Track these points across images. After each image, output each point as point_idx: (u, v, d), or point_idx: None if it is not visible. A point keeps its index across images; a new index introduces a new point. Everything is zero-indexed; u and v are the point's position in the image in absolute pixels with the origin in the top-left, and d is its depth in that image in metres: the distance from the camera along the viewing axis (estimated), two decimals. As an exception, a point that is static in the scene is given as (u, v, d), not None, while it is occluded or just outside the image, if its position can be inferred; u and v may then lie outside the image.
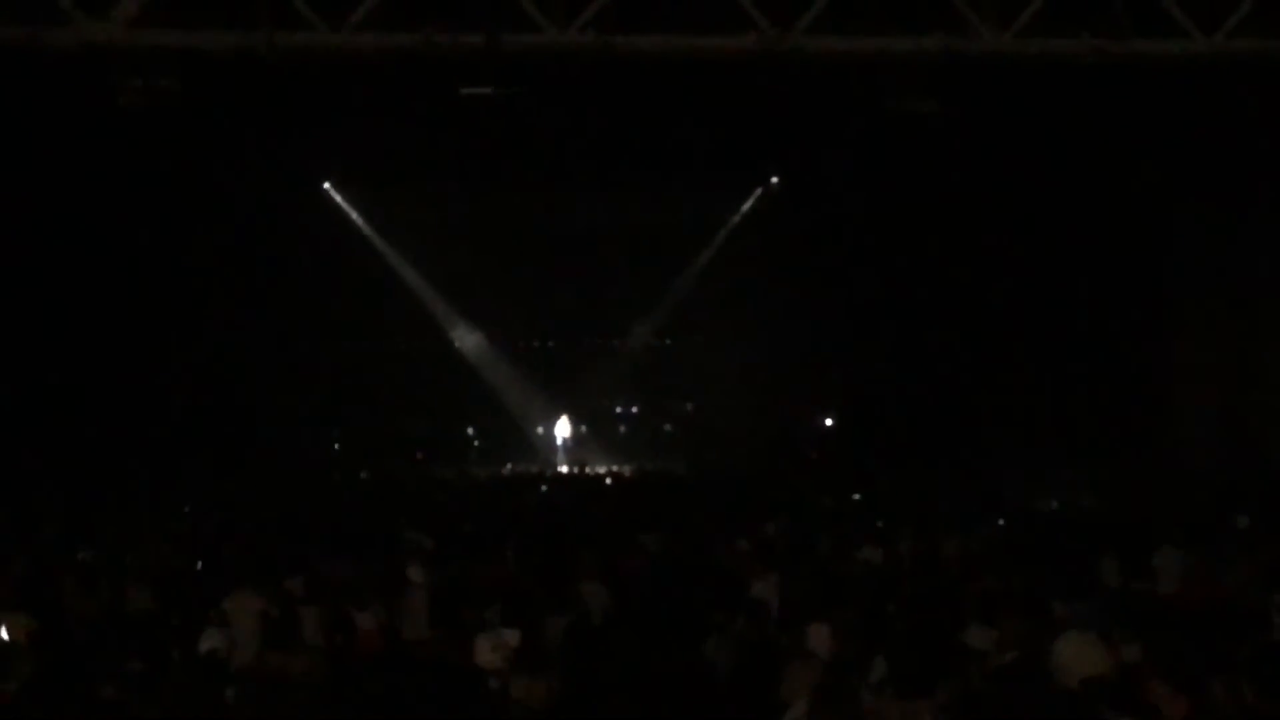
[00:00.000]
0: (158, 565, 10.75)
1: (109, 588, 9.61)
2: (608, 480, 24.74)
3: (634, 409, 31.30)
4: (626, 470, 26.90)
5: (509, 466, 28.25)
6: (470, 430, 29.72)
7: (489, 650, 7.08)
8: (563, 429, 28.40)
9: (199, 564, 11.12)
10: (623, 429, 30.91)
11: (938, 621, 7.58)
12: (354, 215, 27.45)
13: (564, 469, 27.22)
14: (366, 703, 6.45)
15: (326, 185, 26.78)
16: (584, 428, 29.42)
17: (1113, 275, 19.95)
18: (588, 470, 26.84)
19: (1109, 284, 20.07)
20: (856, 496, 18.98)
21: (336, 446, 27.99)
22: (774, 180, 27.13)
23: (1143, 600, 9.14)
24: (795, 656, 6.82)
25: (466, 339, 29.72)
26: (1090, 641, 5.69)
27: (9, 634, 7.45)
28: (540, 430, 29.31)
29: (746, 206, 28.21)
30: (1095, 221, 19.54)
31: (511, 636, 7.35)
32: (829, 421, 28.20)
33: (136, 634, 7.20)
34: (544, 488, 23.02)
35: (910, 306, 23.02)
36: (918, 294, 22.86)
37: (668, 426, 30.88)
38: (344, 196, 27.19)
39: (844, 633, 7.23)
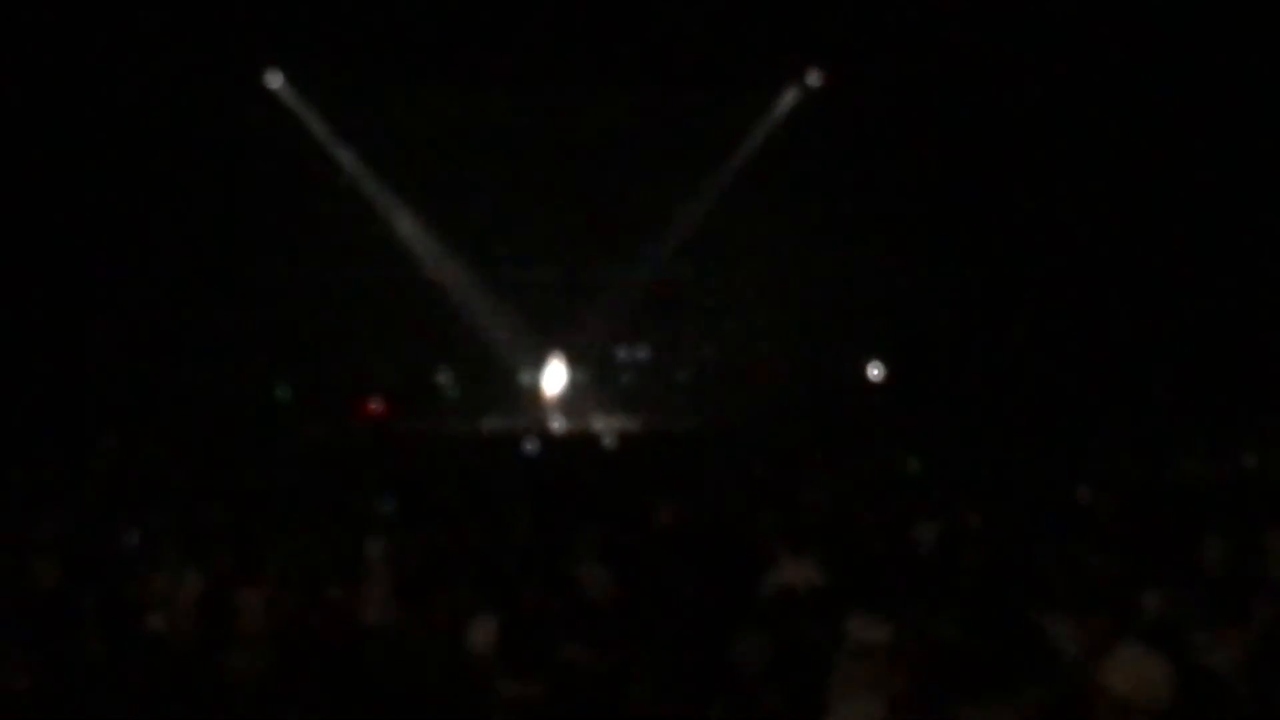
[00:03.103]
0: (68, 535, 10.83)
1: (11, 560, 9.68)
2: (607, 440, 24.79)
3: (641, 353, 31.25)
4: (633, 427, 26.93)
5: (488, 421, 28.29)
6: (441, 377, 29.70)
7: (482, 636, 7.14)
8: (554, 377, 28.33)
9: (121, 536, 11.19)
10: (627, 377, 30.89)
11: (1014, 611, 7.64)
12: (303, 115, 27.30)
13: (556, 425, 27.24)
14: (323, 702, 6.52)
15: (269, 78, 26.61)
16: (580, 375, 29.39)
17: (1244, 193, 19.70)
18: (584, 428, 26.88)
19: (1237, 205, 19.83)
20: (910, 462, 19.02)
21: (279, 394, 28.01)
22: (813, 76, 26.93)
23: (1253, 587, 9.17)
24: (847, 653, 6.86)
25: (440, 266, 29.65)
26: (1150, 662, 5.63)
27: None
28: (527, 378, 29.27)
29: (780, 108, 28.02)
30: (1228, 122, 19.26)
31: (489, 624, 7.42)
32: (876, 371, 28.19)
33: (44, 615, 7.28)
34: (529, 447, 23.08)
35: (980, 232, 22.89)
36: (989, 217, 22.72)
37: (682, 375, 30.85)
38: (290, 92, 27.03)
39: (899, 626, 7.24)
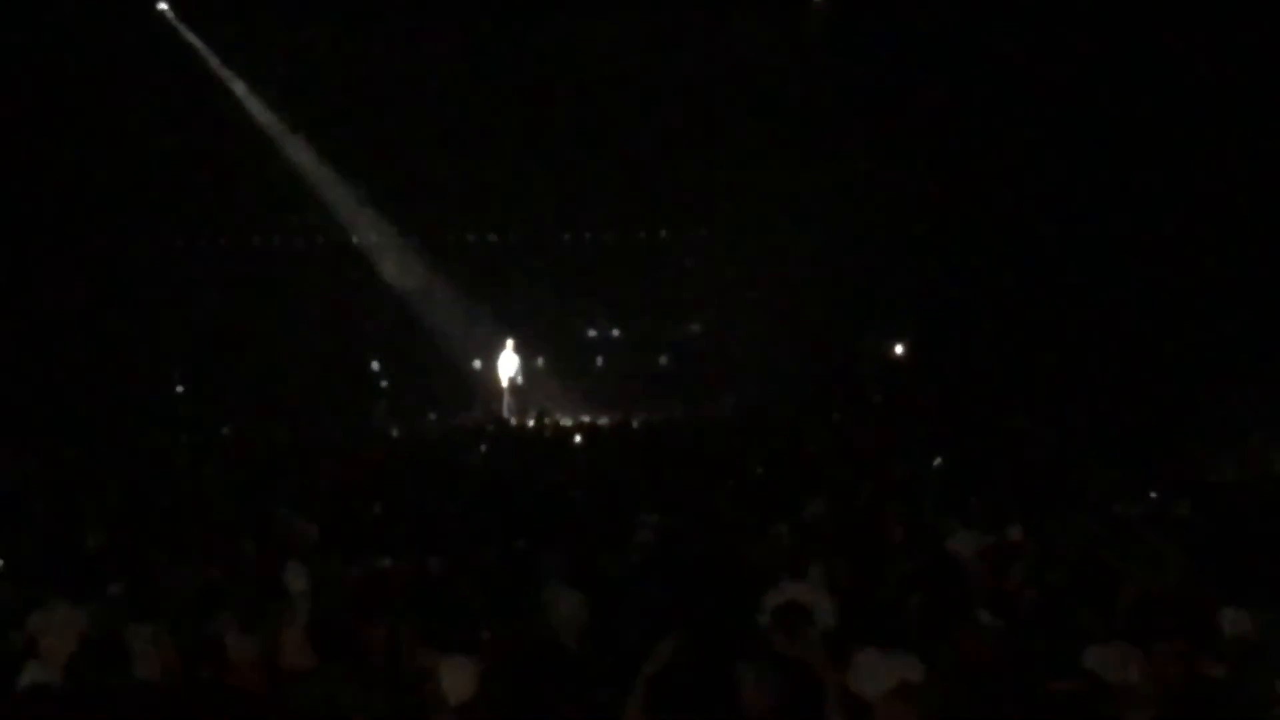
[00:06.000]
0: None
1: None
2: (577, 438, 24.75)
3: (614, 332, 31.23)
4: (606, 420, 26.88)
5: (432, 418, 28.21)
6: (374, 365, 29.59)
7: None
8: (509, 363, 28.24)
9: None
10: (599, 361, 30.86)
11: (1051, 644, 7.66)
12: (201, 48, 27.14)
13: (514, 421, 27.15)
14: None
15: (163, 5, 26.44)
16: (541, 360, 29.34)
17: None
18: (547, 421, 26.87)
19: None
20: (938, 460, 19.01)
21: (180, 390, 27.90)
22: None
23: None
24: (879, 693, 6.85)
25: (368, 231, 29.56)
26: None
27: None
28: (478, 364, 29.23)
29: (779, 37, 27.88)
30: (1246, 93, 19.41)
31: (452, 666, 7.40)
32: (899, 350, 28.21)
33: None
34: (484, 448, 23.04)
35: (1019, 188, 22.89)
36: (1029, 170, 22.73)
37: (663, 359, 30.82)
38: (186, 22, 26.87)
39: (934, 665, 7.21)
